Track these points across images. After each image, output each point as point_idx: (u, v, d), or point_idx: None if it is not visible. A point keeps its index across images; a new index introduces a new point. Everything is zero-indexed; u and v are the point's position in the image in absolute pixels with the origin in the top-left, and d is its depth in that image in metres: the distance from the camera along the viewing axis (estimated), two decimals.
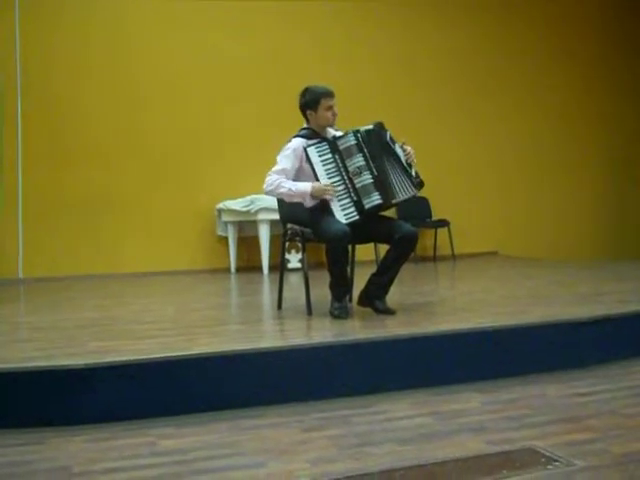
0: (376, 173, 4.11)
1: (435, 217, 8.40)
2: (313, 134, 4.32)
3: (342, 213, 4.10)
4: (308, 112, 4.33)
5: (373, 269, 4.34)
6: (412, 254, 4.35)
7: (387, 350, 3.59)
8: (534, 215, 9.05)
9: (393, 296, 4.47)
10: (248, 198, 7.29)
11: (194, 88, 7.74)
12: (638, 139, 9.61)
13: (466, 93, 8.77)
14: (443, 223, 8.21)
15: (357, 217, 4.10)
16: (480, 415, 3.11)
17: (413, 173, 4.18)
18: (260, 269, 7.34)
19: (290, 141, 4.35)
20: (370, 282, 4.31)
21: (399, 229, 4.16)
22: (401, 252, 4.18)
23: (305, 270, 4.48)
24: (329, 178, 4.16)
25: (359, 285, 4.42)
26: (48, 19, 7.30)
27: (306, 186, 4.17)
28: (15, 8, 7.20)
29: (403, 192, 4.16)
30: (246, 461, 2.63)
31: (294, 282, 6.44)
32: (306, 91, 4.34)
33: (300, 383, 3.40)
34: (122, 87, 7.52)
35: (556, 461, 2.51)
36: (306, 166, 4.26)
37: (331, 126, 4.38)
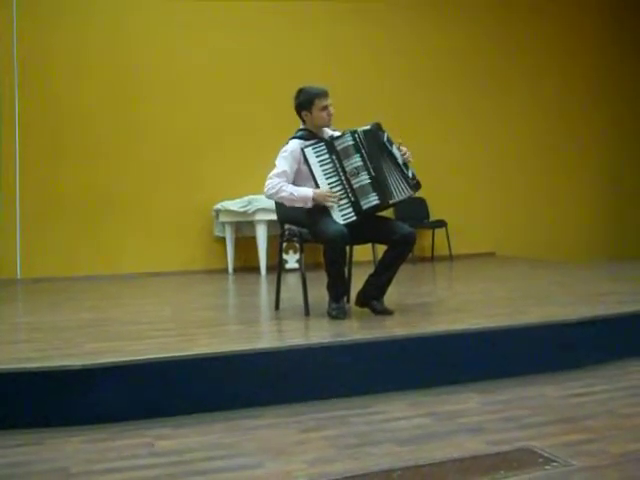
0: (373, 174, 4.11)
1: (433, 218, 8.40)
2: (310, 135, 4.32)
3: (340, 214, 4.10)
4: (303, 113, 4.33)
5: (371, 270, 4.34)
6: (410, 255, 4.35)
7: (385, 350, 3.59)
8: (532, 216, 9.05)
9: (391, 297, 4.46)
10: (246, 199, 7.29)
11: (193, 88, 7.73)
12: (637, 139, 9.62)
13: (465, 93, 8.77)
14: (441, 224, 8.21)
15: (355, 218, 4.10)
16: (478, 415, 3.11)
17: (410, 174, 4.19)
18: (258, 270, 7.34)
19: (287, 143, 4.35)
20: (368, 283, 4.31)
21: (397, 230, 4.16)
22: (399, 253, 4.18)
23: (303, 271, 4.48)
24: (327, 179, 4.16)
25: (357, 286, 4.42)
26: (46, 18, 7.29)
27: (308, 191, 4.16)
28: (13, 6, 7.19)
29: (400, 193, 4.16)
30: (244, 462, 2.63)
31: (292, 283, 6.43)
32: (300, 92, 4.33)
33: (298, 383, 3.41)
34: (121, 87, 7.51)
35: (554, 461, 2.51)
36: (303, 168, 4.25)
37: (327, 126, 4.37)
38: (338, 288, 4.22)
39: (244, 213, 7.26)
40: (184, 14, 7.75)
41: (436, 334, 3.74)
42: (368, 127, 4.19)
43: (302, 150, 4.19)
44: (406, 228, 4.18)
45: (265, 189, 4.28)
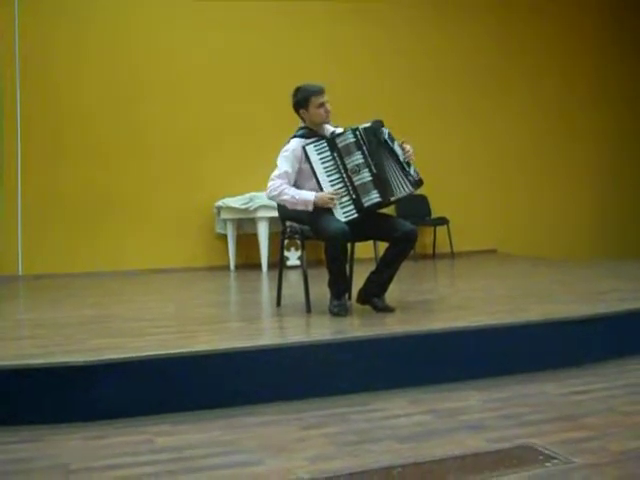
0: (375, 171, 4.11)
1: (434, 215, 8.41)
2: (311, 133, 4.32)
3: (341, 211, 4.11)
4: (301, 111, 4.34)
5: (372, 267, 4.35)
6: (411, 252, 4.35)
7: (386, 348, 3.59)
8: (533, 213, 9.06)
9: (392, 294, 4.47)
10: (247, 196, 7.30)
11: (194, 86, 7.74)
12: (638, 138, 9.61)
13: (465, 93, 8.78)
14: (442, 221, 8.21)
15: (356, 215, 4.10)
16: (478, 413, 3.12)
17: (412, 171, 4.19)
18: (259, 267, 7.35)
19: (288, 142, 4.35)
20: (369, 280, 4.31)
21: (398, 227, 4.16)
22: (400, 250, 4.18)
23: (304, 268, 4.48)
24: (328, 176, 4.16)
25: (358, 283, 4.42)
26: (48, 16, 7.30)
27: (309, 195, 4.16)
28: (15, 4, 7.19)
29: (401, 190, 4.16)
30: (244, 458, 2.63)
31: (293, 280, 6.44)
32: (297, 91, 4.34)
33: (299, 381, 3.41)
34: (122, 85, 7.51)
35: (554, 459, 2.51)
36: (305, 167, 4.25)
37: (326, 123, 4.37)
38: (339, 285, 4.22)
39: (245, 210, 7.26)
40: (185, 13, 7.76)
41: (437, 331, 3.75)
42: (369, 124, 4.19)
43: (303, 148, 4.19)
44: (407, 225, 4.18)
45: (267, 190, 4.29)
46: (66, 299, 5.63)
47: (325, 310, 4.25)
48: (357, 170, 4.13)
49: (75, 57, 7.40)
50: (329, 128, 4.40)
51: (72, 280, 6.86)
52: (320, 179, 4.16)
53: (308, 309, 4.35)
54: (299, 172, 4.31)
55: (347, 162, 4.14)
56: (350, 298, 4.55)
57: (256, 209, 7.20)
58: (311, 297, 4.39)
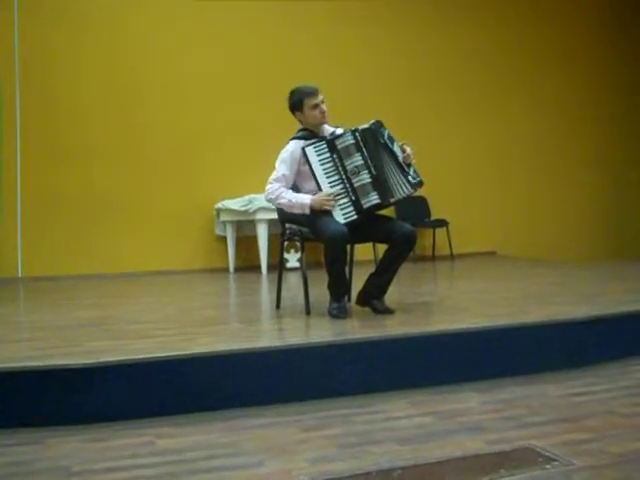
0: (374, 172, 4.11)
1: (434, 217, 8.40)
2: (310, 135, 4.33)
3: (340, 213, 4.11)
4: (297, 114, 4.35)
5: (372, 269, 4.35)
6: (411, 254, 4.35)
7: (386, 350, 3.59)
8: (533, 215, 9.06)
9: (392, 296, 4.47)
10: (246, 198, 7.29)
11: (194, 87, 7.73)
12: (638, 139, 9.61)
13: (465, 93, 8.78)
14: (442, 223, 8.21)
15: (355, 217, 4.10)
16: (478, 415, 3.12)
17: (411, 172, 4.18)
18: (259, 269, 7.34)
19: (288, 144, 4.36)
20: (369, 282, 4.31)
21: (398, 229, 4.16)
22: (400, 252, 4.18)
23: (304, 270, 4.49)
24: (327, 178, 4.16)
25: (358, 285, 4.42)
26: (47, 18, 7.28)
27: (305, 198, 4.17)
28: (14, 6, 7.19)
29: (400, 191, 4.16)
30: (245, 461, 2.63)
31: (293, 282, 6.44)
32: (291, 93, 4.35)
33: (299, 382, 3.41)
34: (121, 86, 7.51)
35: (554, 460, 2.51)
36: (304, 168, 4.26)
37: (322, 124, 4.37)
38: (339, 287, 4.22)
39: (245, 212, 7.26)
40: (185, 14, 7.75)
41: (437, 333, 3.75)
42: (369, 125, 4.19)
43: (303, 149, 4.20)
44: (407, 227, 4.18)
45: (265, 193, 4.32)
46: (65, 301, 5.62)
47: (325, 312, 4.25)
48: (356, 172, 4.13)
49: (74, 59, 7.39)
50: (329, 128, 4.41)
51: (71, 282, 6.86)
52: (319, 180, 4.17)
53: (308, 311, 4.35)
54: (298, 173, 4.31)
55: (346, 164, 4.14)
56: (350, 300, 4.55)
57: (255, 211, 7.19)
58: (311, 299, 4.39)
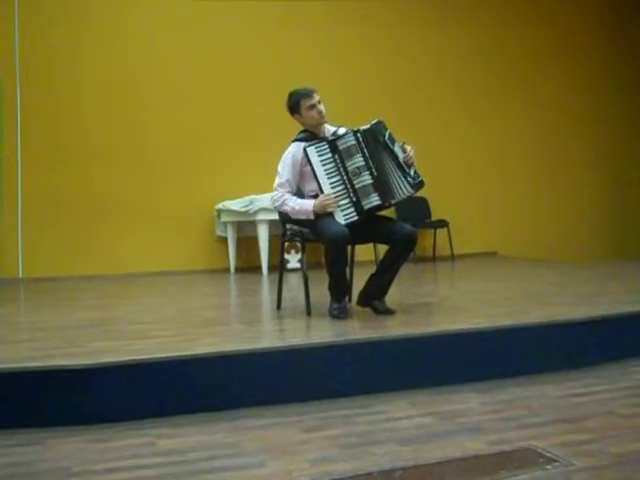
0: (375, 173, 4.12)
1: (434, 217, 8.41)
2: (311, 136, 4.33)
3: (341, 214, 4.11)
4: (295, 116, 4.37)
5: (372, 269, 4.35)
6: (411, 254, 4.36)
7: (386, 350, 3.59)
8: (534, 215, 9.06)
9: (392, 296, 4.47)
10: (247, 198, 7.30)
11: (194, 88, 7.74)
12: (638, 139, 9.61)
13: (466, 93, 8.78)
14: (442, 223, 8.21)
15: (356, 218, 4.11)
16: (479, 415, 3.12)
17: (412, 173, 4.19)
18: (259, 269, 7.34)
19: (289, 146, 4.37)
20: (369, 282, 4.32)
21: (398, 229, 4.16)
22: (400, 252, 4.18)
23: (304, 270, 4.49)
24: (328, 178, 4.17)
25: (358, 285, 4.42)
26: (48, 17, 7.29)
27: (309, 204, 4.18)
28: (15, 4, 7.19)
29: (401, 192, 4.16)
30: (246, 461, 2.64)
31: (293, 282, 6.44)
32: (289, 96, 4.37)
33: (299, 383, 3.41)
34: (122, 86, 7.51)
35: (554, 461, 2.52)
36: (305, 169, 4.27)
37: (320, 124, 4.37)
38: (339, 288, 4.22)
39: (246, 213, 7.26)
40: (185, 14, 7.76)
41: (437, 334, 3.75)
42: (370, 126, 4.19)
43: (305, 149, 4.20)
44: (407, 228, 4.18)
45: (270, 200, 4.39)
46: (66, 302, 5.62)
47: (325, 313, 4.25)
48: (358, 173, 4.13)
49: (75, 57, 7.40)
50: (330, 128, 4.41)
51: (72, 283, 6.86)
52: (321, 181, 4.17)
53: (308, 312, 4.36)
54: (301, 175, 4.33)
55: (348, 165, 4.15)
56: (350, 301, 4.56)
57: (256, 212, 7.20)
58: (311, 300, 4.39)
